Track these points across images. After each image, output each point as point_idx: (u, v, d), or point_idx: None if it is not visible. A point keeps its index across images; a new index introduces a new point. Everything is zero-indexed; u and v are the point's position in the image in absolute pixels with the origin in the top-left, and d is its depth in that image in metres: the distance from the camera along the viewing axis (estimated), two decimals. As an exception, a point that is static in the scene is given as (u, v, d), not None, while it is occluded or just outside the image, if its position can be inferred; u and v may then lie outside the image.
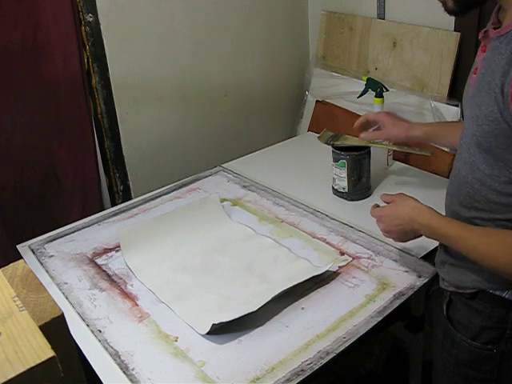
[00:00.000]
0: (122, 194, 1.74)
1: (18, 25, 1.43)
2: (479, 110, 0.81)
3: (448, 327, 0.96)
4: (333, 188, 1.42)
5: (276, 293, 0.99)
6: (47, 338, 0.40)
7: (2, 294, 0.45)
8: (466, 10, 0.86)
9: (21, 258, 0.52)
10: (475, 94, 0.83)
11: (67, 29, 1.50)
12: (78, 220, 1.40)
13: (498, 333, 0.88)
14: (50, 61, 1.51)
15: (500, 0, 0.82)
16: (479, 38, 0.85)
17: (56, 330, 0.43)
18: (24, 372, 0.37)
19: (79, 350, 0.91)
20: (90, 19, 1.51)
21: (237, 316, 0.95)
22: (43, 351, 0.38)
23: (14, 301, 0.44)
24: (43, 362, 0.38)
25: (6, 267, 0.48)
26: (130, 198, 1.67)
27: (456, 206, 0.90)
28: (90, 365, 0.91)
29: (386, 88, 1.53)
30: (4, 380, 0.36)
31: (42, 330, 0.41)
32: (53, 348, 0.39)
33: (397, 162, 1.58)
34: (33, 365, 0.37)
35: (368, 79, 1.57)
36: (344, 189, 1.38)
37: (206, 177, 1.58)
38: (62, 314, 0.44)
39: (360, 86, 1.62)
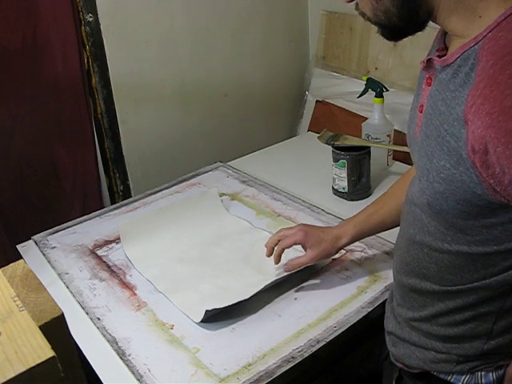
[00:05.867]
0: (121, 193, 1.74)
1: (18, 25, 1.43)
2: (430, 163, 0.65)
3: None
4: (333, 188, 1.42)
5: (268, 282, 1.01)
6: (47, 338, 0.40)
7: (2, 294, 0.45)
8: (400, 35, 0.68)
9: (21, 257, 0.52)
10: (424, 141, 0.68)
11: (67, 29, 1.50)
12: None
13: None
14: (50, 61, 1.51)
15: (442, 24, 0.65)
16: (421, 68, 0.69)
17: (56, 330, 0.43)
18: (24, 372, 0.37)
19: (79, 349, 0.91)
20: (90, 19, 1.51)
21: (230, 303, 0.97)
22: (43, 351, 0.38)
23: (14, 301, 0.44)
24: (43, 362, 0.38)
25: (6, 267, 0.48)
26: (130, 198, 1.67)
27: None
28: (90, 365, 0.91)
29: (385, 88, 1.53)
30: (4, 380, 0.36)
31: (41, 330, 0.41)
32: (53, 348, 0.39)
33: (397, 162, 1.58)
34: (33, 365, 0.37)
35: (368, 79, 1.57)
36: (344, 189, 1.38)
37: (206, 172, 1.60)
38: (62, 314, 0.44)
39: (360, 85, 1.62)
